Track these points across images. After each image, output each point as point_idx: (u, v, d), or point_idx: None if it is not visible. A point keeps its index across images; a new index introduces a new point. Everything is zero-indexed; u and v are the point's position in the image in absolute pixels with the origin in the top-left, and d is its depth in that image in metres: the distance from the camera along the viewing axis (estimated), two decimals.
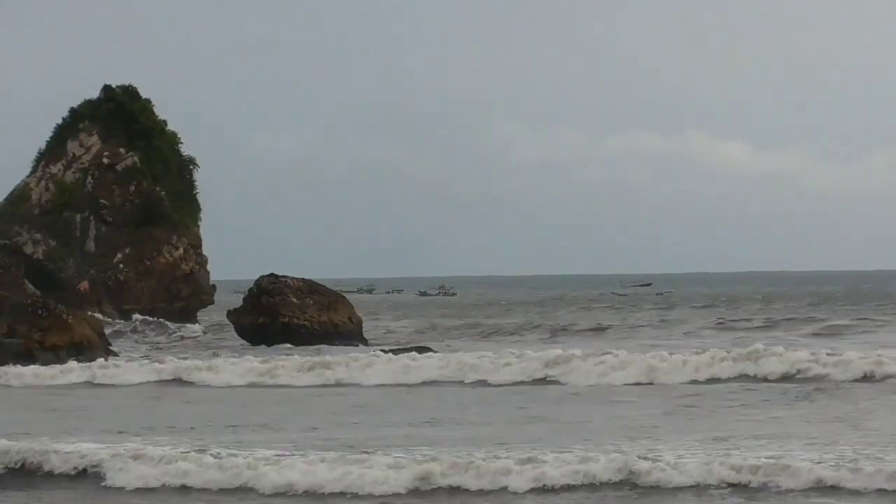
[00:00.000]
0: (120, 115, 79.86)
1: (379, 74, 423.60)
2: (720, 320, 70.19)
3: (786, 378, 34.42)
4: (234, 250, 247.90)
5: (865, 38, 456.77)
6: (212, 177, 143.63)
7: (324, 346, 53.33)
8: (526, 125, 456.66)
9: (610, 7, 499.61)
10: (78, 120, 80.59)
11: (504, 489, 19.77)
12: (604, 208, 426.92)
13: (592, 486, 19.61)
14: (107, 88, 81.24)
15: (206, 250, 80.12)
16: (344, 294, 66.07)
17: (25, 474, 22.16)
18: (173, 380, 39.44)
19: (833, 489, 18.96)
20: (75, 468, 22.00)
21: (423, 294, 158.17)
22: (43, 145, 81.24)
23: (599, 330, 65.03)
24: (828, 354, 36.31)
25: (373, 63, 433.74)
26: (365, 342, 58.56)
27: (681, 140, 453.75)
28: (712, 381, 34.65)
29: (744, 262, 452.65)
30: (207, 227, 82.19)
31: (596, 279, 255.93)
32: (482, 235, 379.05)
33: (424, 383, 37.05)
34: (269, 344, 56.00)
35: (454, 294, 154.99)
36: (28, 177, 79.92)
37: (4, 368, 41.40)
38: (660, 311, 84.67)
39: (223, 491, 20.59)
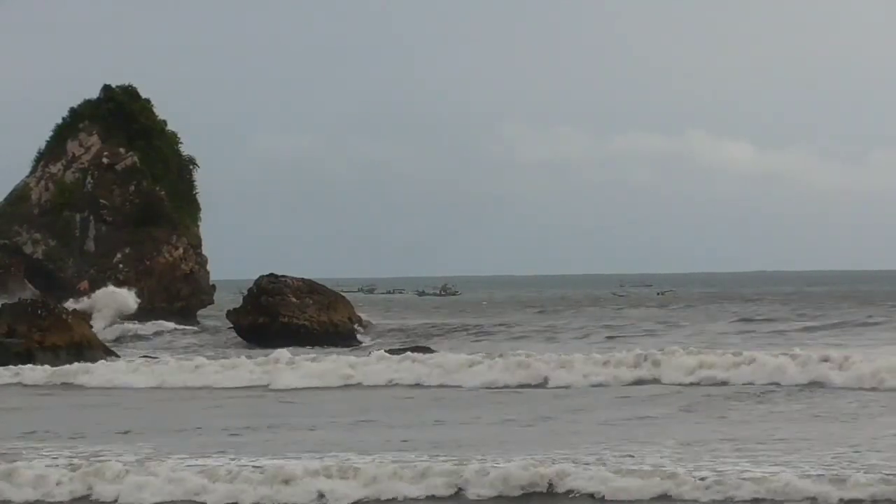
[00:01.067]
0: (120, 115, 79.86)
1: (381, 75, 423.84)
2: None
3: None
4: (234, 250, 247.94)
5: (867, 37, 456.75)
6: (212, 177, 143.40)
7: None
8: (528, 125, 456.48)
9: (611, 7, 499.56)
10: (78, 120, 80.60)
11: None
12: (605, 208, 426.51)
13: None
14: (107, 88, 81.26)
15: (206, 250, 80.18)
16: (344, 294, 66.19)
17: None
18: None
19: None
20: None
21: (422, 294, 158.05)
22: (43, 145, 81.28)
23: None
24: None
25: (375, 63, 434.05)
26: (357, 342, 58.60)
27: (682, 140, 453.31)
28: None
29: (744, 263, 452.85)
30: (208, 227, 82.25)
31: (596, 279, 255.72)
32: (485, 236, 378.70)
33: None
34: (269, 344, 55.99)
35: (456, 294, 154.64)
36: (28, 177, 79.94)
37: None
38: (683, 313, 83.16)
39: None
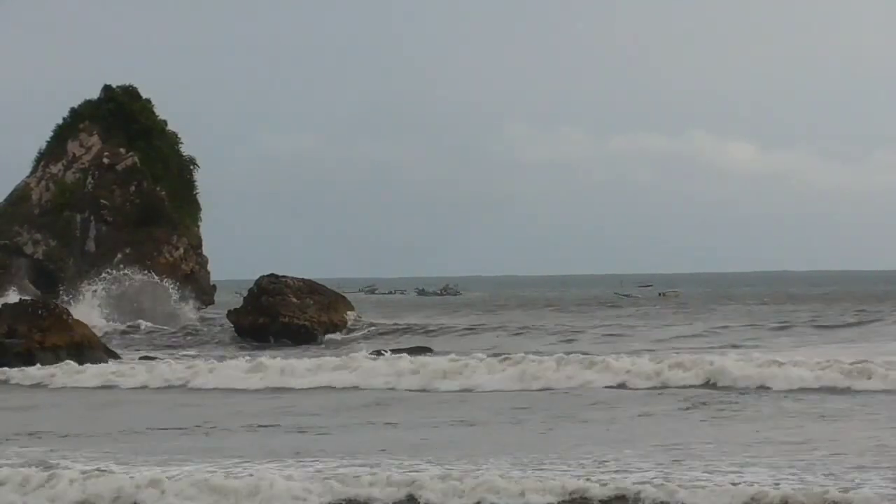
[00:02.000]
0: (120, 115, 79.85)
1: (382, 74, 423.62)
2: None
3: None
4: (235, 250, 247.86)
5: (871, 37, 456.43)
6: (213, 177, 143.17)
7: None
8: (530, 125, 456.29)
9: (613, 7, 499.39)
10: (78, 120, 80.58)
11: None
12: (607, 208, 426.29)
13: None
14: (107, 88, 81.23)
15: (206, 250, 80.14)
16: (344, 295, 66.08)
17: None
18: None
19: None
20: None
21: (422, 293, 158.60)
22: (43, 145, 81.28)
23: None
24: None
25: (378, 63, 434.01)
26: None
27: (685, 140, 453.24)
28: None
29: (747, 263, 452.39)
30: (208, 227, 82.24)
31: (599, 280, 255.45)
32: (486, 236, 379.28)
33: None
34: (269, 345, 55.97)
35: (457, 294, 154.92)
36: (28, 177, 79.93)
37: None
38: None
39: None
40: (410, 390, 34.88)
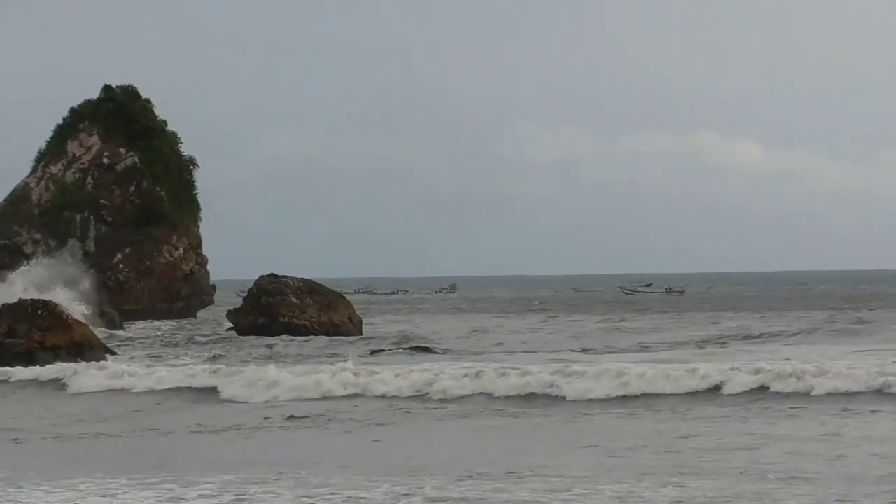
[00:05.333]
0: (120, 115, 79.93)
1: (387, 74, 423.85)
2: None
3: None
4: (235, 250, 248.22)
5: (877, 37, 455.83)
6: (213, 177, 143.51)
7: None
8: (537, 125, 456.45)
9: (621, 8, 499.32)
10: (78, 120, 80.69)
11: None
12: (614, 208, 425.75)
13: None
14: (107, 88, 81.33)
15: (206, 250, 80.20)
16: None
17: None
18: None
19: None
20: None
21: (409, 293, 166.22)
22: (43, 145, 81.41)
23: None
24: None
25: (382, 63, 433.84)
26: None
27: (692, 140, 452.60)
28: None
29: (754, 263, 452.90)
30: (208, 227, 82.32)
31: (606, 279, 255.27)
32: (492, 236, 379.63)
33: None
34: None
35: (454, 291, 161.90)
36: (28, 177, 80.00)
37: None
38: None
39: None
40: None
